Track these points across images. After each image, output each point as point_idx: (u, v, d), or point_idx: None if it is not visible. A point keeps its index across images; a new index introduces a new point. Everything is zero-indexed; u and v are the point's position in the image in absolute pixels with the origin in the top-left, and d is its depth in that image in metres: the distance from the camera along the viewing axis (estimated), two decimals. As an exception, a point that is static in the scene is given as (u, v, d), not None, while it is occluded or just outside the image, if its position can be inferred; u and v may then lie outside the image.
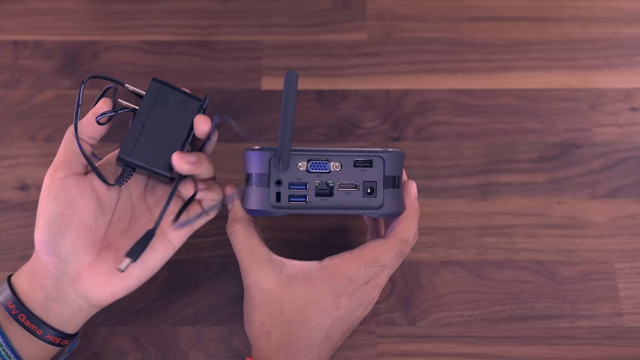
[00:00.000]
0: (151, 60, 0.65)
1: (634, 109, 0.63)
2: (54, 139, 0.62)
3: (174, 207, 0.50)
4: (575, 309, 0.56)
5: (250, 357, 0.50)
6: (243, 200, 0.49)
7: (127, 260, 0.47)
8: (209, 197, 0.50)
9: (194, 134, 0.49)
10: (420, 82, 0.65)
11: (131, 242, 0.49)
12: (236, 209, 0.50)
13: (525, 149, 0.62)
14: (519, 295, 0.57)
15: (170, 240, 0.50)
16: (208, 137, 0.49)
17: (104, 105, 0.48)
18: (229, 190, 0.51)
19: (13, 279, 0.48)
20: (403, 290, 0.57)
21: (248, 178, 0.48)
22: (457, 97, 0.64)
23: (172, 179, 0.49)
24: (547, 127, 0.63)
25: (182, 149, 0.48)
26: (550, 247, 0.58)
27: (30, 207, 0.60)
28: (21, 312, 0.47)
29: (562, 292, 0.57)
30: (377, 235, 0.55)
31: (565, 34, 0.66)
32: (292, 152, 0.47)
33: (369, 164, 0.48)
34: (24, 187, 0.60)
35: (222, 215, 0.59)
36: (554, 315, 0.56)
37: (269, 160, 0.47)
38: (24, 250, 0.58)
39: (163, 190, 0.52)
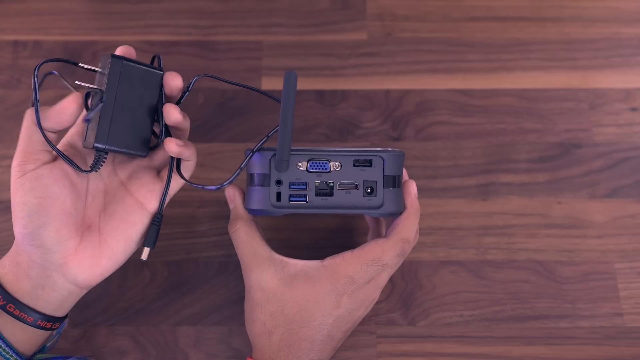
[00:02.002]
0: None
1: (634, 109, 0.63)
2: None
3: (150, 178, 0.50)
4: (575, 309, 0.56)
5: (250, 357, 0.50)
6: (244, 199, 0.50)
7: (147, 249, 0.49)
8: (185, 155, 0.49)
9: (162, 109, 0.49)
10: (420, 82, 0.65)
11: (111, 221, 0.49)
12: (238, 208, 0.50)
13: (525, 149, 0.62)
14: (519, 295, 0.57)
15: (146, 209, 0.50)
16: (183, 94, 0.49)
17: (74, 100, 0.46)
18: (231, 190, 0.51)
19: None
20: (403, 290, 0.57)
21: (249, 178, 0.48)
22: (457, 97, 0.64)
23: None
24: (547, 127, 0.63)
25: (152, 125, 0.49)
26: (550, 247, 0.58)
27: (30, 207, 0.60)
28: (9, 302, 0.47)
29: (562, 292, 0.57)
30: (378, 235, 0.55)
31: (565, 34, 0.66)
32: (292, 152, 0.47)
33: (368, 163, 0.48)
34: (24, 187, 0.60)
35: (222, 215, 0.59)
36: (554, 315, 0.56)
37: (270, 160, 0.47)
38: (24, 250, 0.58)
39: (135, 164, 0.51)
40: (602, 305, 0.57)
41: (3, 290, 0.47)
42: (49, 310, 0.48)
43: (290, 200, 0.47)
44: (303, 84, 0.64)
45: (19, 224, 0.46)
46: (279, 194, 0.47)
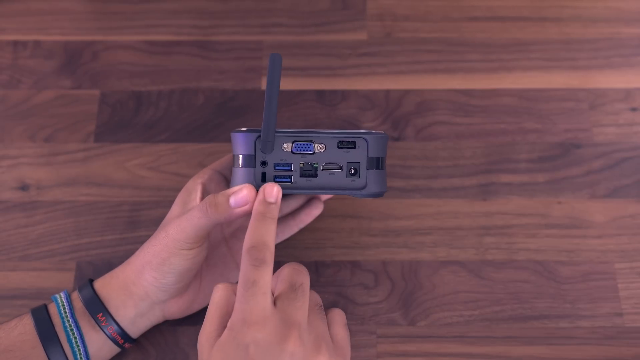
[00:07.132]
0: (151, 60, 0.65)
1: (634, 109, 0.63)
2: (54, 139, 0.62)
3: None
4: (575, 309, 0.56)
5: None
6: (230, 181, 0.50)
7: None
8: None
9: None
10: (420, 82, 0.65)
11: (211, 272, 0.53)
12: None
13: (525, 149, 0.62)
14: (519, 295, 0.57)
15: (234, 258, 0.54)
16: None
17: (249, 193, 0.46)
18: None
19: (102, 292, 0.50)
20: (403, 290, 0.57)
21: (235, 159, 0.49)
22: (457, 97, 0.64)
23: None
24: (547, 127, 0.63)
25: None
26: (550, 247, 0.58)
27: (30, 207, 0.60)
28: (110, 324, 0.49)
29: (562, 292, 0.57)
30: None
31: (565, 34, 0.66)
32: (277, 134, 0.47)
33: (352, 145, 0.48)
34: (24, 187, 0.60)
35: (222, 215, 0.59)
36: (554, 315, 0.56)
37: (255, 142, 0.47)
38: (24, 250, 0.58)
39: (239, 222, 0.54)
40: (602, 305, 0.57)
41: (111, 317, 0.49)
42: (135, 335, 0.52)
43: (275, 181, 0.48)
44: (303, 84, 0.64)
45: (157, 275, 0.49)
46: (264, 175, 0.48)
